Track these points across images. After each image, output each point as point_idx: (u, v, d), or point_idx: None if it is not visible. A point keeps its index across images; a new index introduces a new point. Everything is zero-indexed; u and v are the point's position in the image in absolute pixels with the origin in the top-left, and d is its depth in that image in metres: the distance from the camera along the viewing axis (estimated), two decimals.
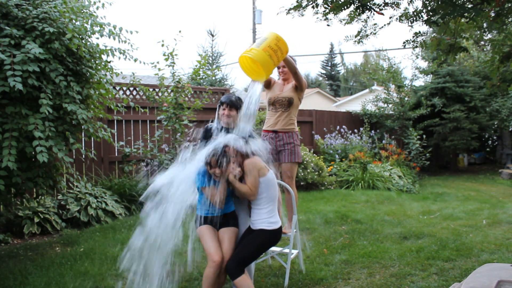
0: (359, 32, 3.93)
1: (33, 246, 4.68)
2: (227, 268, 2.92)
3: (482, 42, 11.82)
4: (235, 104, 3.31)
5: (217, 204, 3.00)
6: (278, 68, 4.22)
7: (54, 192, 5.60)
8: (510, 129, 12.69)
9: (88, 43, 4.28)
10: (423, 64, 15.00)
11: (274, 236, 3.07)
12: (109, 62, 4.62)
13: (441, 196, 8.13)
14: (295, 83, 4.14)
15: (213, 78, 12.66)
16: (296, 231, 3.84)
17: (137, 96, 7.19)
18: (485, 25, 4.07)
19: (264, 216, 3.04)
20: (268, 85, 4.35)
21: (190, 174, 3.02)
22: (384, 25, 3.86)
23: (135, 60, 4.84)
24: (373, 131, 11.05)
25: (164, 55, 6.37)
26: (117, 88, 6.74)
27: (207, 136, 3.42)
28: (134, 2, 71.69)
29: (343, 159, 9.54)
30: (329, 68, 51.46)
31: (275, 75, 4.48)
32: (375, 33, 3.91)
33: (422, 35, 3.97)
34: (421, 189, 8.87)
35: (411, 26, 3.69)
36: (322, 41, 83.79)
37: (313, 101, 26.99)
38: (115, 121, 6.89)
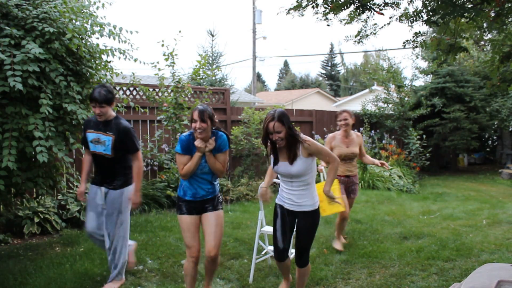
0: (359, 32, 3.93)
1: (33, 246, 4.68)
2: (302, 263, 3.12)
3: (482, 42, 11.82)
4: (103, 100, 3.36)
5: (184, 176, 3.05)
6: (339, 120, 4.59)
7: (54, 192, 5.59)
8: (510, 129, 12.68)
9: (88, 43, 4.28)
10: (423, 64, 15.01)
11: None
12: (109, 62, 4.62)
13: (441, 196, 8.13)
14: (360, 143, 4.72)
15: (213, 78, 12.66)
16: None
17: (137, 96, 7.18)
18: (485, 25, 4.06)
19: (313, 196, 3.04)
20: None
21: None
22: (384, 25, 3.85)
23: (135, 60, 4.84)
24: (373, 131, 11.04)
25: (164, 55, 6.37)
26: (117, 88, 6.73)
27: (85, 128, 3.54)
28: (134, 2, 71.66)
29: None
30: (329, 68, 51.49)
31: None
32: (375, 33, 3.91)
33: (422, 35, 3.97)
34: (421, 189, 8.87)
35: (411, 26, 3.68)
36: (322, 41, 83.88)
37: (313, 101, 27.01)
38: None
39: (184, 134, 3.11)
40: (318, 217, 3.14)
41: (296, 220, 3.12)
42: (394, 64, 11.53)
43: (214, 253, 3.08)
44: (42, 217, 5.14)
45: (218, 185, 3.25)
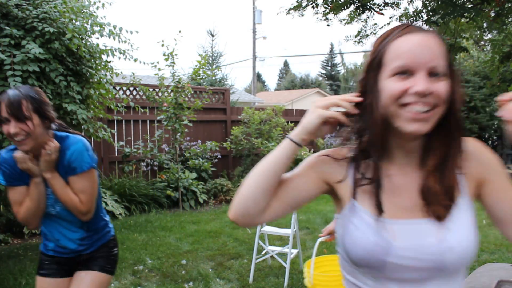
0: (359, 32, 3.93)
1: (33, 246, 4.68)
2: None
3: (482, 42, 11.81)
4: None
5: (27, 224, 1.84)
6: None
7: None
8: None
9: (88, 43, 4.28)
10: None
11: None
12: (109, 62, 4.62)
13: None
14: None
15: (213, 78, 12.67)
16: (296, 230, 3.85)
17: (137, 96, 7.19)
18: (485, 25, 4.06)
19: None
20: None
21: None
22: (384, 25, 3.87)
23: (135, 60, 4.84)
24: None
25: (164, 55, 6.38)
26: (117, 88, 6.74)
27: None
28: (134, 2, 71.76)
29: None
30: (329, 68, 51.49)
31: None
32: (375, 33, 3.91)
33: None
34: None
35: None
36: (322, 41, 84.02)
37: (313, 101, 26.96)
38: (115, 121, 6.89)
39: (5, 149, 1.76)
40: None
41: None
42: None
43: None
44: None
45: (107, 228, 1.94)
